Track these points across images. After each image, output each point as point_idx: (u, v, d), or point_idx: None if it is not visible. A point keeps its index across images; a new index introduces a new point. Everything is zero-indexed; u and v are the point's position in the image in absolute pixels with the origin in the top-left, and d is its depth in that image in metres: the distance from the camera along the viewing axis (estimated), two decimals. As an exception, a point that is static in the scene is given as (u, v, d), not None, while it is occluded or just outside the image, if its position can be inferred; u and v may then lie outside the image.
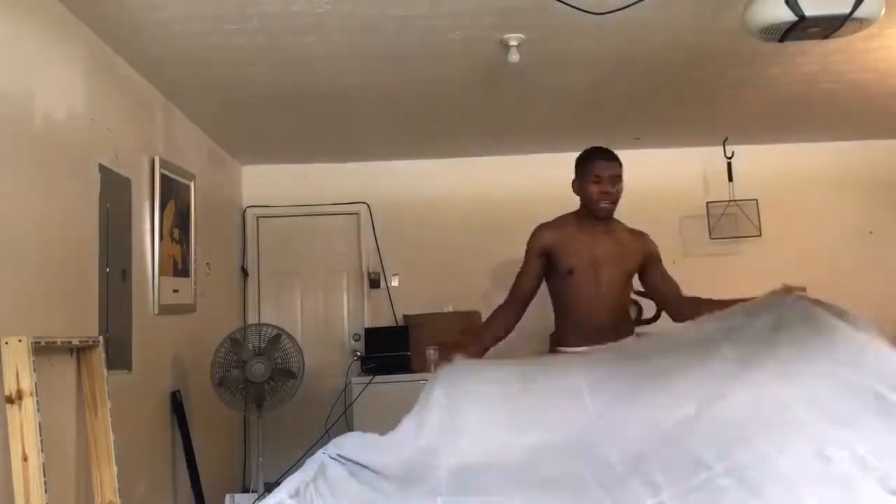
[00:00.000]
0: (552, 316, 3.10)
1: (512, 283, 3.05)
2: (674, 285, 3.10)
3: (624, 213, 6.05)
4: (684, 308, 2.92)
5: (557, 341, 3.05)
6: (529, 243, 3.05)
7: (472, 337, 3.14)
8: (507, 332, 2.96)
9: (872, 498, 1.52)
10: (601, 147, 3.08)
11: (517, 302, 2.98)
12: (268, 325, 4.41)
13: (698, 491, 1.67)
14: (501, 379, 2.24)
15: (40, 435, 2.30)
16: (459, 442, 2.11)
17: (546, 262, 3.00)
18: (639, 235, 3.14)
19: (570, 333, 2.96)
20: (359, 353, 5.39)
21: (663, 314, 3.59)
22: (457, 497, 1.93)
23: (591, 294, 2.94)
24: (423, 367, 2.65)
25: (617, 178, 2.98)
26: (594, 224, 3.03)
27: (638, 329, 3.61)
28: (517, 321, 2.99)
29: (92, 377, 2.86)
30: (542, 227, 3.09)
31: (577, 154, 3.91)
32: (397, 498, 1.94)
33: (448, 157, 5.75)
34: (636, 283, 5.17)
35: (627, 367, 2.13)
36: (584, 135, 5.30)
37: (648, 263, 3.09)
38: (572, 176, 3.25)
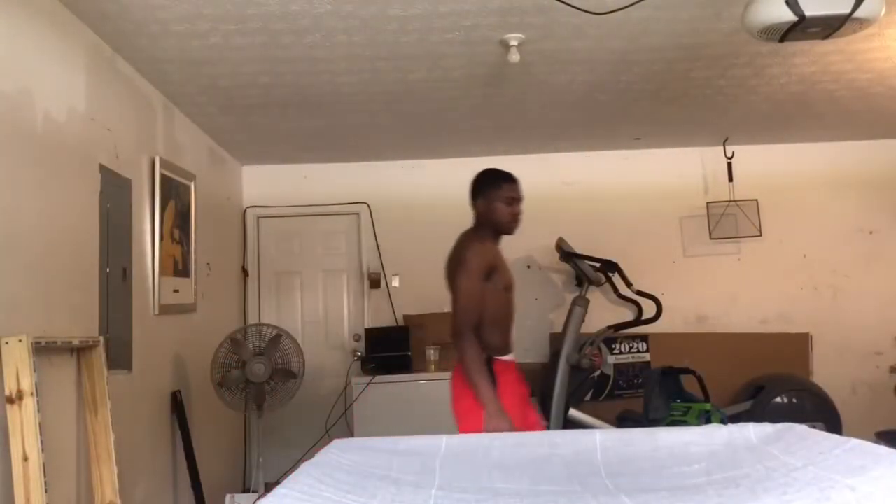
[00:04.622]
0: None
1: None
2: None
3: (625, 213, 6.09)
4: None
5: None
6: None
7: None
8: None
9: None
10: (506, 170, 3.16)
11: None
12: (268, 325, 4.41)
13: None
14: None
15: (40, 435, 2.30)
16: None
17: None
18: None
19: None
20: (359, 354, 5.39)
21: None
22: (451, 493, 1.94)
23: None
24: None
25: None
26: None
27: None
28: None
29: (92, 377, 2.86)
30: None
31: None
32: (388, 488, 1.94)
33: (448, 157, 5.75)
34: (637, 283, 5.21)
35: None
36: (584, 135, 5.32)
37: None
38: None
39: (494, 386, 2.85)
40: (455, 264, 3.00)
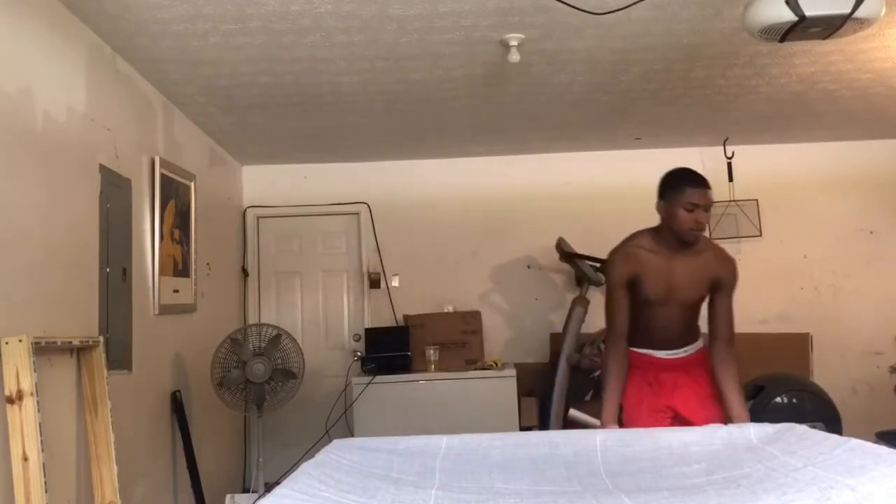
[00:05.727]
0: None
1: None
2: (725, 323, 3.14)
3: (625, 213, 6.06)
4: (715, 364, 3.07)
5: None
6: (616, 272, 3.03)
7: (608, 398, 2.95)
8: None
9: None
10: (694, 172, 2.96)
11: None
12: (268, 325, 4.41)
13: None
14: None
15: (40, 435, 2.30)
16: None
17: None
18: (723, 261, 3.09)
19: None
20: (359, 354, 5.39)
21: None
22: (451, 493, 1.94)
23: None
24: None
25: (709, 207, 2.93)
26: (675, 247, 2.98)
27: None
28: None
29: (92, 377, 2.86)
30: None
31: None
32: (388, 488, 1.94)
33: (448, 157, 5.75)
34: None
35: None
36: (584, 135, 5.32)
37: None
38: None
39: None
40: None
